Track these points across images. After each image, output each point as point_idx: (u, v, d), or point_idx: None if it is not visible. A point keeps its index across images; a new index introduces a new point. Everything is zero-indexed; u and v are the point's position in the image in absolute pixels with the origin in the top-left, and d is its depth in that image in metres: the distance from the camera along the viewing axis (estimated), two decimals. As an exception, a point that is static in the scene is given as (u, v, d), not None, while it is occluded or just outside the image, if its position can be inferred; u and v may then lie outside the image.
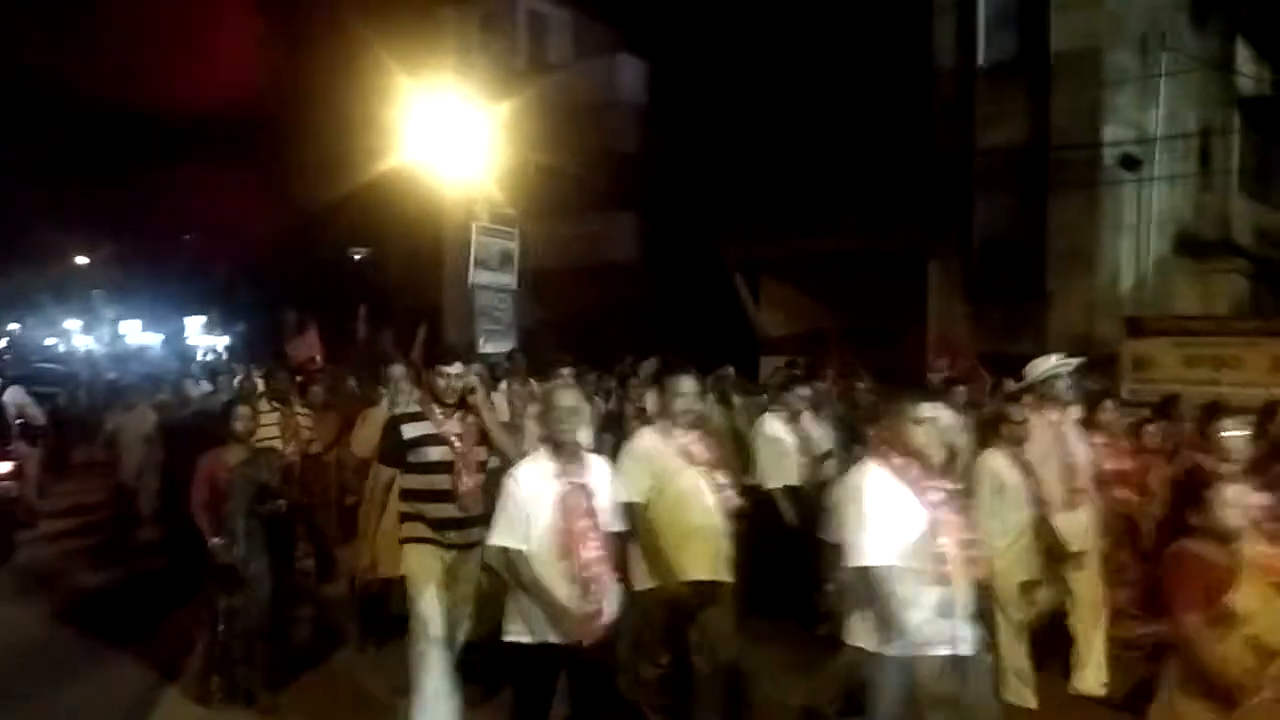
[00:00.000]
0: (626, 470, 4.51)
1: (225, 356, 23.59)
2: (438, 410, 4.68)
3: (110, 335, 38.82)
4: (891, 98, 14.53)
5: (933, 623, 3.49)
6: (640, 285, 18.53)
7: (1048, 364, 5.90)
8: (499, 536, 3.90)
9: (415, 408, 4.92)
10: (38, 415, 11.13)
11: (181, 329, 36.63)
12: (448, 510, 4.58)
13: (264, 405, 6.62)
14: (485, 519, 4.27)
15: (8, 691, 5.76)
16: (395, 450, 4.67)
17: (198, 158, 27.74)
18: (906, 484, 3.61)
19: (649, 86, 19.77)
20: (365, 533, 4.98)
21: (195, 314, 36.11)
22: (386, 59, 15.97)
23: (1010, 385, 7.11)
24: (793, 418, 7.07)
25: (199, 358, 24.95)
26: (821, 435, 7.13)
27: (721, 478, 4.68)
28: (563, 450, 3.98)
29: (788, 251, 16.28)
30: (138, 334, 39.95)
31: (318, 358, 11.85)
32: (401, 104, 13.21)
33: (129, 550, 9.08)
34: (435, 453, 4.61)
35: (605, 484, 4.10)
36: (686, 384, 4.70)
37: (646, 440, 4.74)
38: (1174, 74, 14.15)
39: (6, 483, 9.23)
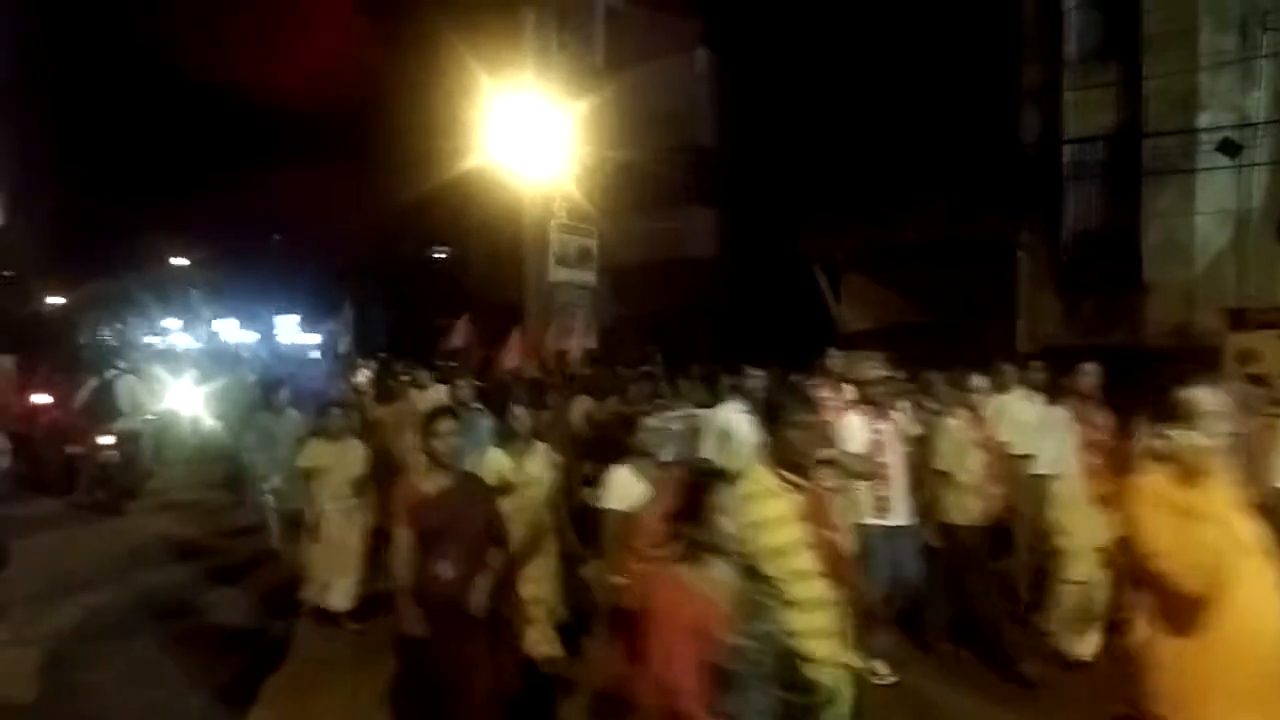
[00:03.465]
0: None
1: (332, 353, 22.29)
2: None
3: (207, 333, 40.19)
4: (976, 83, 14.20)
5: None
6: (719, 281, 18.46)
7: None
8: None
9: None
10: (149, 401, 11.86)
11: (273, 327, 37.79)
12: None
13: (767, 479, 3.48)
14: None
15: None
16: None
17: (287, 161, 28.65)
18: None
19: (727, 81, 19.68)
20: None
21: (285, 313, 37.23)
22: (468, 58, 16.24)
23: None
24: None
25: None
26: None
27: None
28: None
29: (869, 244, 16.03)
30: (234, 332, 41.36)
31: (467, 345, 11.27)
32: (482, 103, 13.39)
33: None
34: None
35: None
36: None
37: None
38: (1276, 55, 13.54)
39: (112, 452, 10.29)
